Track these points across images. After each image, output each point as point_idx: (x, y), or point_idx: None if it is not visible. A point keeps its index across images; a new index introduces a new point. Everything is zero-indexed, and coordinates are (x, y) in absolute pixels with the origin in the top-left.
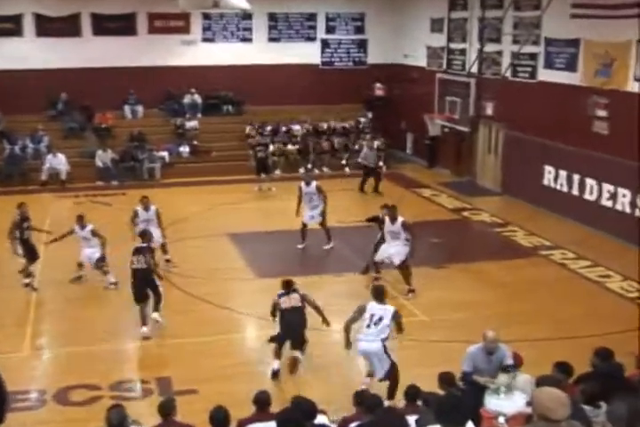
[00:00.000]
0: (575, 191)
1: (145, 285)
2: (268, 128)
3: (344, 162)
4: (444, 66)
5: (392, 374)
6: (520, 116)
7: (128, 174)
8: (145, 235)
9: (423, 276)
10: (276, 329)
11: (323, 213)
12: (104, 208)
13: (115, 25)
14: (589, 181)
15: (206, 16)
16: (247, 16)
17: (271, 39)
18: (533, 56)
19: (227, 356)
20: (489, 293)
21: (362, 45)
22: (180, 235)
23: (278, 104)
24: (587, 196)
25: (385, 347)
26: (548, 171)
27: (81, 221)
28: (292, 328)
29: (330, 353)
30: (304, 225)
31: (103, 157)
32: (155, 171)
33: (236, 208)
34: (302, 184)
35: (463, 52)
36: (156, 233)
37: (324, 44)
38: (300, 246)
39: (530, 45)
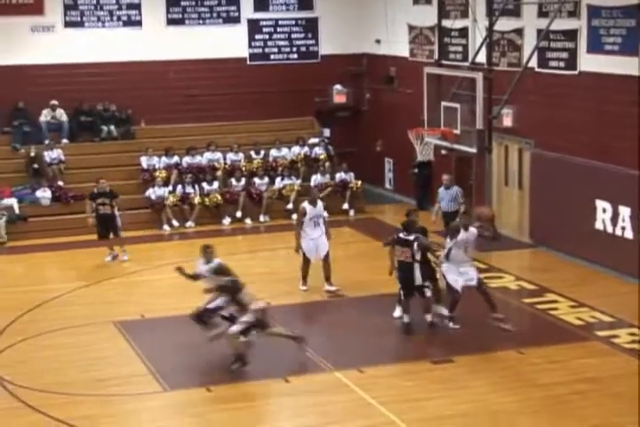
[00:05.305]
0: None
1: None
2: (175, 159)
3: (290, 206)
4: (436, 55)
5: None
6: (555, 127)
7: None
8: None
9: (415, 375)
10: None
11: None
12: None
13: None
14: None
15: None
16: None
17: (171, 22)
18: (571, 34)
19: None
20: (519, 400)
21: (310, 28)
22: (42, 325)
23: (184, 122)
24: None
25: None
26: (602, 208)
27: None
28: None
29: None
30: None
31: None
32: None
33: (130, 282)
34: (306, 205)
35: (464, 32)
36: None
37: (254, 27)
38: (303, 288)
39: (565, 18)
